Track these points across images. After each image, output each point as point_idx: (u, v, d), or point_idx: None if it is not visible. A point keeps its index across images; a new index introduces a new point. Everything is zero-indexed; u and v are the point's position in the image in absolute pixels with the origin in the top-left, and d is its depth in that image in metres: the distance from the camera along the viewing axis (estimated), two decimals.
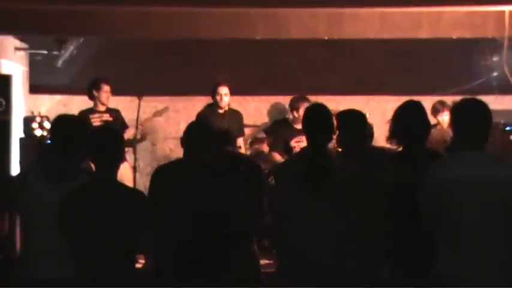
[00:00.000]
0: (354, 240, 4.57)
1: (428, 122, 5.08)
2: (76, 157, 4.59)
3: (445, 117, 8.50)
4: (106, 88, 8.94)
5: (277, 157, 8.57)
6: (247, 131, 9.56)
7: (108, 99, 8.99)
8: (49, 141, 4.73)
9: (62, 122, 4.73)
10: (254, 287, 5.71)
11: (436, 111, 8.64)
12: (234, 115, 9.02)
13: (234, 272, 4.97)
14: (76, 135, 4.59)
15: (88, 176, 4.51)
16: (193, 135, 5.04)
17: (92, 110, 8.96)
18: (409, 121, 4.89)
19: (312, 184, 4.55)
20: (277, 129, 9.22)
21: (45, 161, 4.66)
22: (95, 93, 8.95)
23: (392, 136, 5.05)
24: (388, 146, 7.23)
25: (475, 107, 4.36)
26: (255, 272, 5.98)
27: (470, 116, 4.31)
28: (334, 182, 4.57)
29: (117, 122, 8.92)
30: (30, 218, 4.56)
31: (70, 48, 9.61)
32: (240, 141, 9.00)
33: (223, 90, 8.91)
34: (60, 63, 9.63)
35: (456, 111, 4.42)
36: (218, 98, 8.91)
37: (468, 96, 4.56)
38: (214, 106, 8.97)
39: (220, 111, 8.93)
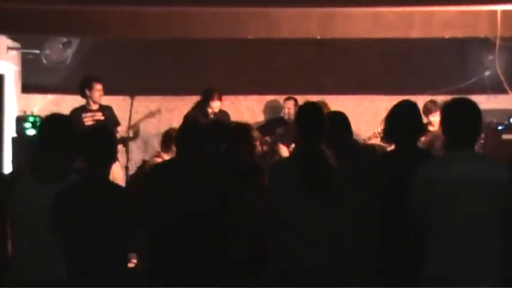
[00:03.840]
0: (347, 240, 4.57)
1: (422, 122, 5.09)
2: (66, 156, 4.57)
3: (436, 118, 8.46)
4: (98, 87, 8.92)
5: (284, 151, 8.66)
6: None
7: (101, 97, 8.98)
8: (39, 141, 4.68)
9: (50, 122, 4.71)
10: (245, 287, 5.70)
11: (428, 110, 8.57)
12: (222, 116, 9.01)
13: (225, 271, 4.98)
14: (65, 134, 4.58)
15: (78, 175, 4.50)
16: (186, 134, 5.03)
17: (84, 108, 8.95)
18: (402, 121, 4.87)
19: (308, 184, 4.54)
20: (275, 127, 9.31)
21: (36, 161, 4.65)
22: (87, 92, 8.93)
23: (385, 135, 5.05)
24: (379, 143, 7.25)
25: (464, 107, 4.36)
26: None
27: (460, 116, 4.32)
28: (330, 182, 4.56)
29: (110, 120, 8.91)
30: (20, 217, 4.55)
31: (58, 47, 9.56)
32: None
33: (216, 104, 9.00)
34: (44, 59, 9.58)
35: (446, 111, 4.42)
36: (209, 110, 8.98)
37: (457, 96, 4.57)
38: (203, 109, 9.00)
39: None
